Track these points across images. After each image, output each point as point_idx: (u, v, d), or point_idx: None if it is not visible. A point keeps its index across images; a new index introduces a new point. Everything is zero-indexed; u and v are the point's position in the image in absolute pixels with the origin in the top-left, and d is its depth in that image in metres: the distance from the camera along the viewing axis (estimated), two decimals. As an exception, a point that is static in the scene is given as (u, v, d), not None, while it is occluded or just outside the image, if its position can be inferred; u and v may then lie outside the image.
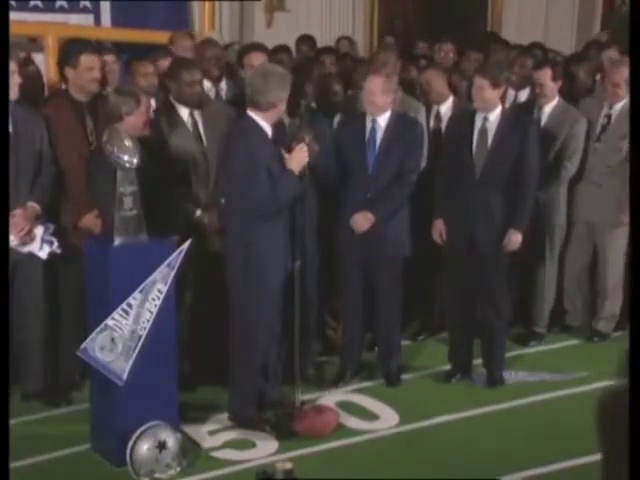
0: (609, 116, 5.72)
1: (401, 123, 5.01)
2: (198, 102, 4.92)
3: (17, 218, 4.40)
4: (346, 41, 7.53)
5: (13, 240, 4.37)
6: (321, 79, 5.66)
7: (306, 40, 7.23)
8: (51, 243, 4.50)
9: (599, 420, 2.27)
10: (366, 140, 4.98)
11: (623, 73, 5.53)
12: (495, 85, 4.89)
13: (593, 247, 5.87)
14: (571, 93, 5.93)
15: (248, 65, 5.51)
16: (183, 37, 6.20)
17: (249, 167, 4.30)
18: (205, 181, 4.87)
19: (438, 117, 5.67)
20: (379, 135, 4.97)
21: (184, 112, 4.91)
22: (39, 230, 4.50)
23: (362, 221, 4.94)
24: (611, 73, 5.72)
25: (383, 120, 4.96)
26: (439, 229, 5.14)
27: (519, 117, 5.12)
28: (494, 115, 4.95)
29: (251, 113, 4.43)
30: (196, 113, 4.93)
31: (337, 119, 5.44)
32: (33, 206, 4.50)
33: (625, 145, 5.48)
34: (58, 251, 4.53)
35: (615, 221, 5.63)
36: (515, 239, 4.96)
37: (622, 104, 5.65)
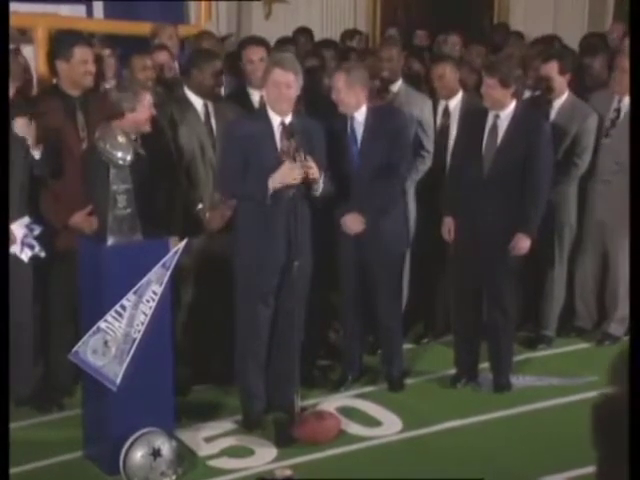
0: (618, 110, 5.60)
1: (380, 115, 4.88)
2: (215, 94, 4.91)
3: None
4: (357, 35, 7.39)
5: None
6: (311, 72, 5.44)
7: (304, 32, 7.14)
8: (32, 247, 4.43)
9: (596, 425, 2.25)
10: (347, 138, 4.86)
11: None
12: (505, 85, 4.75)
13: (604, 248, 5.75)
14: (586, 87, 5.81)
15: (247, 59, 5.40)
16: (166, 29, 6.08)
17: (226, 146, 4.49)
18: (212, 174, 4.81)
19: (447, 112, 5.56)
20: (359, 131, 4.85)
21: (198, 103, 4.86)
22: (19, 232, 4.41)
23: (352, 223, 4.84)
24: (620, 57, 5.57)
25: (360, 115, 4.84)
26: (448, 227, 5.05)
27: (531, 116, 5.00)
28: (506, 113, 4.84)
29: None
30: (210, 105, 4.88)
31: None
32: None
33: None
34: (41, 254, 4.47)
35: (625, 220, 5.50)
36: (523, 244, 4.85)
37: None
